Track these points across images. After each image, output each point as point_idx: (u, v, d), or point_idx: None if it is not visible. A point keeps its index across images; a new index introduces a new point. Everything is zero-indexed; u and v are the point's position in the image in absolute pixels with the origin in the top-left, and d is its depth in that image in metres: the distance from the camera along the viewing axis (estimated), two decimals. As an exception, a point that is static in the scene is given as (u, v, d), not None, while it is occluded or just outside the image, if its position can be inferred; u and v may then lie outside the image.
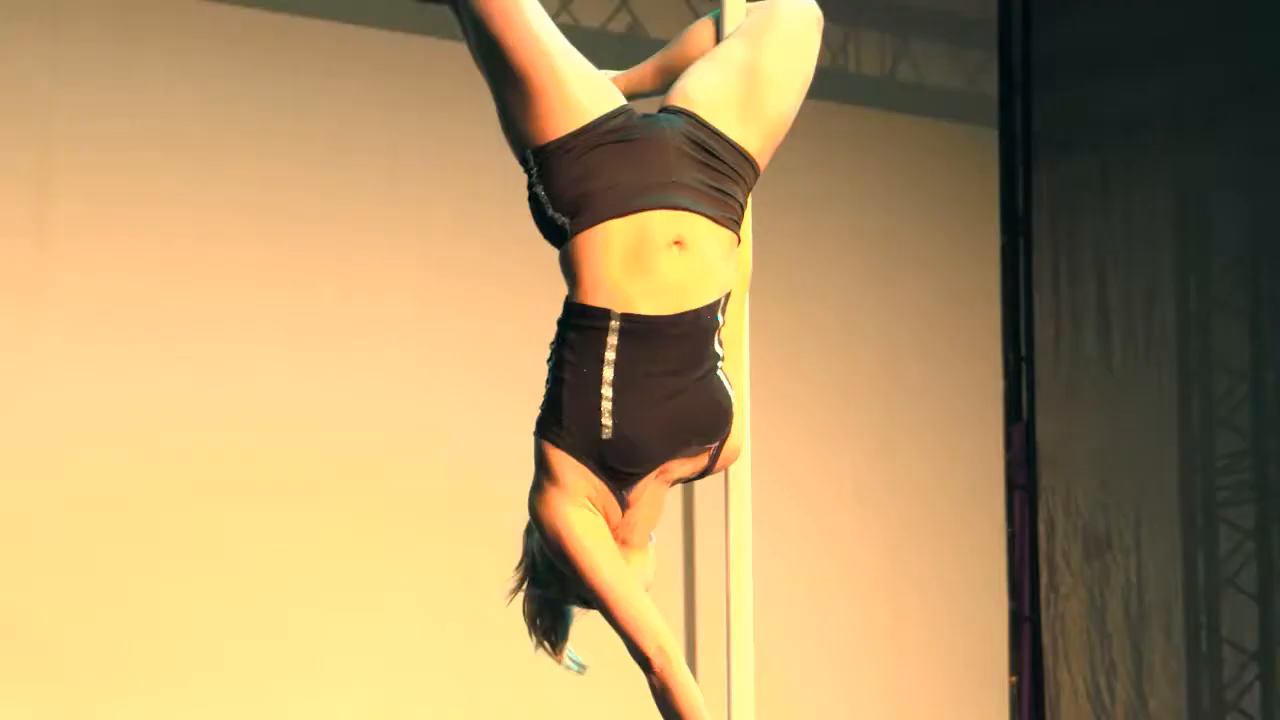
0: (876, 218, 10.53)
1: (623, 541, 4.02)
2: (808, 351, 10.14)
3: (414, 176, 9.52)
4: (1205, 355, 11.13)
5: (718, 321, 4.00)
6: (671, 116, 4.00)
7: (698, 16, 10.25)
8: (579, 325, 3.94)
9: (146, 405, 8.90)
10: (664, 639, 3.93)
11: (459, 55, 9.43)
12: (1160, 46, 11.08)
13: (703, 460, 4.07)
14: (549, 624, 4.12)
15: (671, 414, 3.95)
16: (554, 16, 10.09)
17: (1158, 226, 11.22)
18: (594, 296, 3.93)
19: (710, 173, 3.97)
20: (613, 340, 3.92)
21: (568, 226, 3.95)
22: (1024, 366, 11.30)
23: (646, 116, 3.99)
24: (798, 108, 4.14)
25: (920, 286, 10.78)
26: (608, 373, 3.92)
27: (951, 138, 11.01)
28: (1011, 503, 11.08)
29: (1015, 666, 10.99)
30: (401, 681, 9.21)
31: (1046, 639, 11.20)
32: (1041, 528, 11.24)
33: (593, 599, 3.97)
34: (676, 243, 3.91)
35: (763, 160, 4.05)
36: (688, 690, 3.92)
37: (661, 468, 4.01)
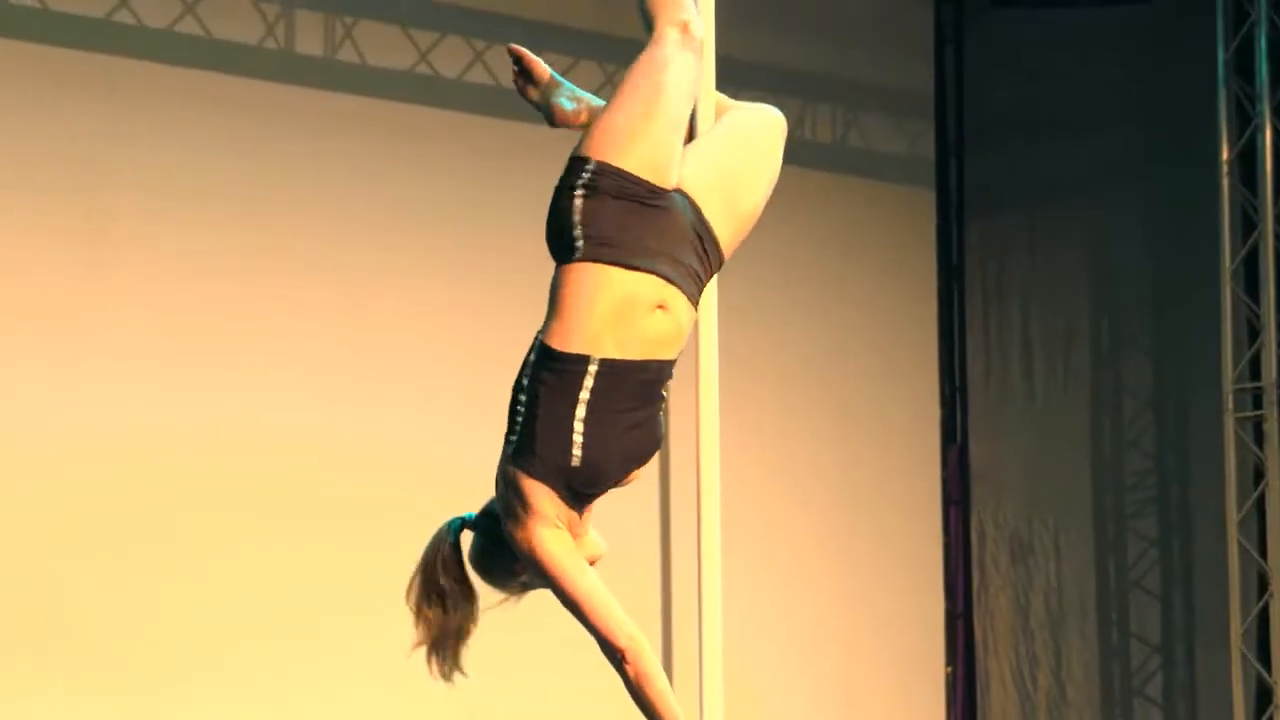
0: (830, 266, 10.61)
1: (575, 537, 4.01)
2: (771, 383, 10.20)
3: (429, 234, 9.57)
4: (1115, 386, 11.23)
5: (671, 375, 4.00)
6: (686, 204, 3.97)
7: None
8: (555, 368, 3.89)
9: (185, 425, 8.91)
10: (633, 629, 3.90)
11: (469, 129, 9.63)
12: (1076, 117, 11.19)
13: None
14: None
15: (628, 444, 3.94)
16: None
17: (1074, 274, 11.32)
18: (572, 342, 3.89)
19: (697, 260, 3.96)
20: (589, 382, 3.87)
21: (579, 249, 3.90)
22: (958, 396, 11.39)
23: (676, 198, 3.97)
24: (764, 205, 4.14)
25: (868, 325, 10.85)
26: (580, 410, 3.88)
27: (895, 196, 11.08)
28: (947, 514, 11.17)
29: (951, 658, 11.07)
30: (413, 685, 9.20)
31: (978, 634, 11.27)
32: (973, 536, 11.32)
33: (569, 606, 3.94)
34: (660, 306, 3.89)
35: (729, 253, 4.06)
36: (658, 675, 3.92)
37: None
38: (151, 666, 8.70)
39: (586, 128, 4.14)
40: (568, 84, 4.35)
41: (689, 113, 4.05)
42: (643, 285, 3.88)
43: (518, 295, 9.53)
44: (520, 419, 3.95)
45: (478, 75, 9.85)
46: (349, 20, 9.57)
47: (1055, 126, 11.21)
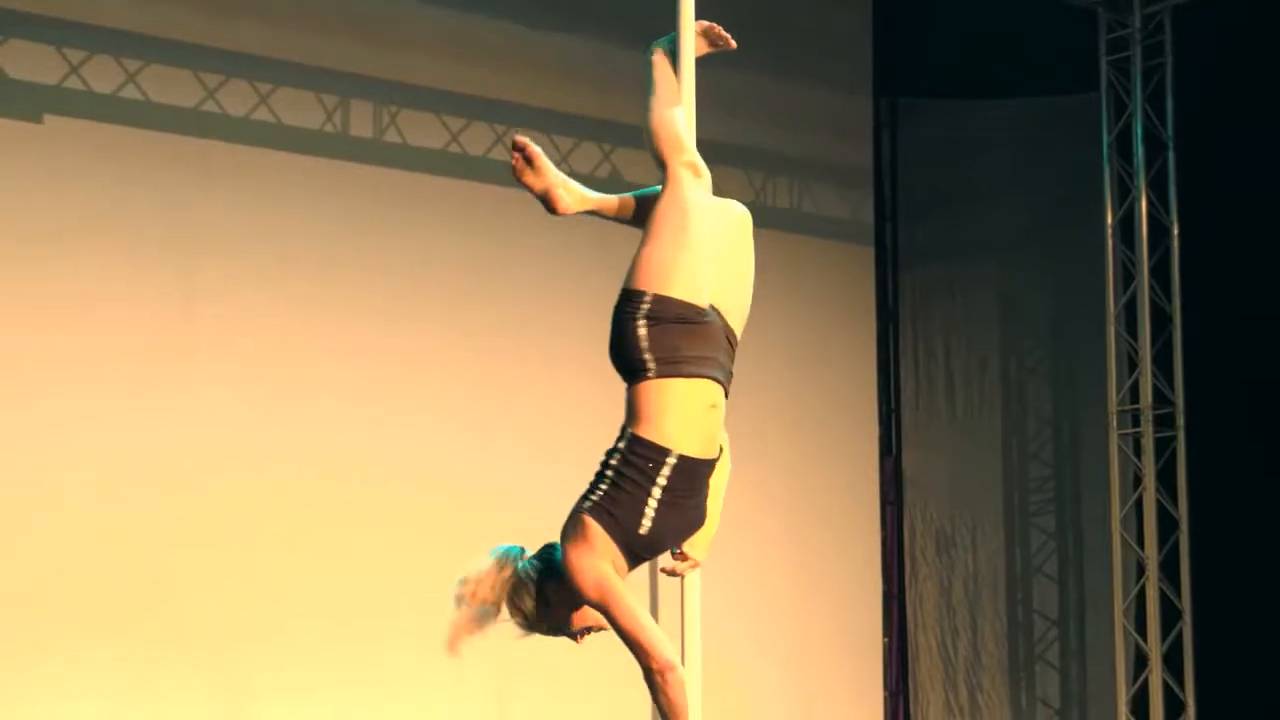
0: (788, 312, 10.56)
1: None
2: (740, 404, 10.13)
3: (459, 284, 9.55)
4: (1021, 408, 11.26)
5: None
6: (716, 313, 3.88)
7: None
8: (642, 454, 3.78)
9: (265, 439, 8.88)
10: (674, 654, 3.74)
11: (492, 198, 9.61)
12: (989, 189, 11.25)
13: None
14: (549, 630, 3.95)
15: (686, 524, 3.87)
16: (557, 165, 10.20)
17: (987, 317, 11.37)
18: (658, 435, 3.78)
19: (730, 358, 3.91)
20: (667, 471, 3.77)
21: (652, 370, 3.79)
22: (893, 415, 11.40)
23: (713, 313, 3.88)
24: None
25: (819, 358, 10.83)
26: (657, 492, 3.77)
27: (841, 253, 11.06)
28: (884, 513, 11.15)
29: (887, 631, 11.05)
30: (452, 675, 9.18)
31: (909, 611, 11.27)
32: (906, 531, 11.32)
33: (618, 623, 3.74)
34: (712, 406, 3.83)
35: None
36: (684, 689, 3.74)
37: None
38: (238, 637, 8.68)
39: (595, 213, 4.18)
40: (560, 175, 4.21)
41: (712, 236, 3.93)
42: (703, 390, 3.83)
43: (534, 336, 9.60)
44: (606, 485, 3.82)
45: (499, 153, 9.85)
46: (393, 109, 9.57)
47: (972, 197, 11.28)
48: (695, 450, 3.82)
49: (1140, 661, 10.24)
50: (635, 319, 3.80)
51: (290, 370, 9.01)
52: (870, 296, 11.20)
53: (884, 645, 11.00)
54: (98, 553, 8.42)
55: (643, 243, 3.92)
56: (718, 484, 3.96)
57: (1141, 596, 10.25)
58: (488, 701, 9.24)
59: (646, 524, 3.79)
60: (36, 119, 8.65)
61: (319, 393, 9.07)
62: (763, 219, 11.12)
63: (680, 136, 4.07)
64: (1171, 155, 10.41)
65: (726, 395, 3.90)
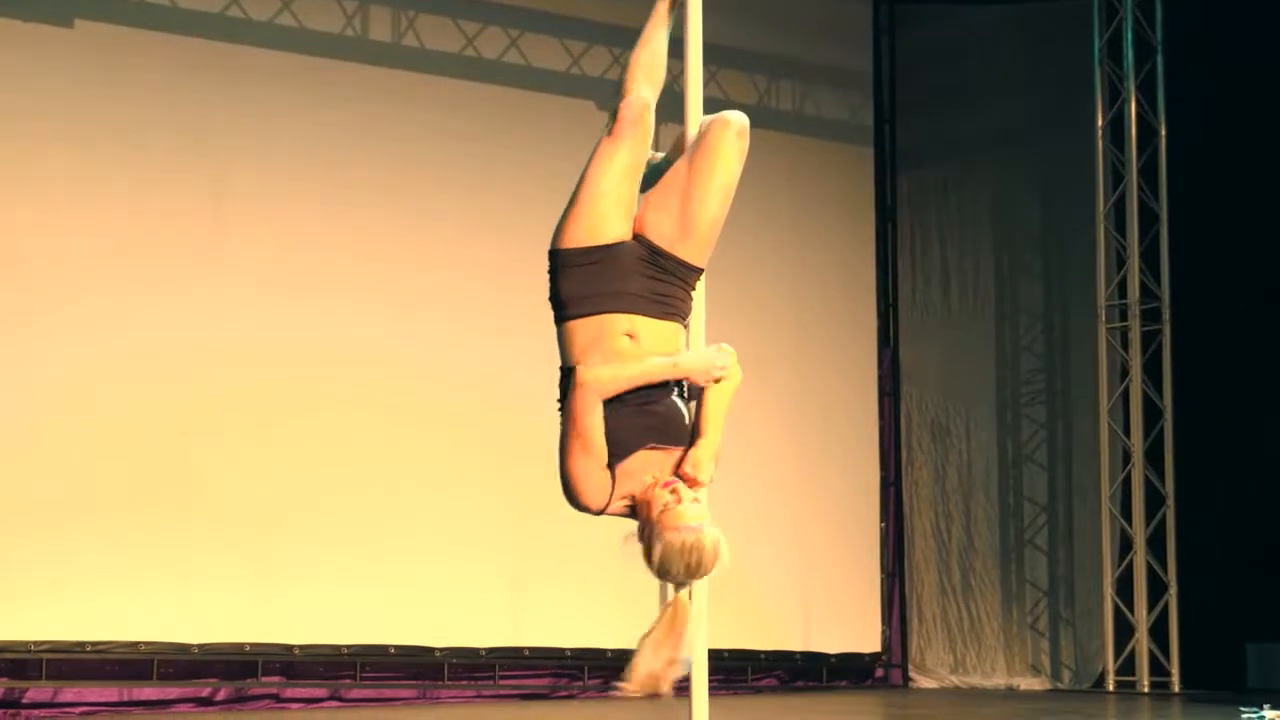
0: (790, 211, 10.52)
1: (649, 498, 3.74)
2: (747, 301, 10.05)
3: (473, 182, 9.49)
4: (1013, 304, 11.21)
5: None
6: (634, 244, 3.80)
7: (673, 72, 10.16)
8: (561, 384, 3.78)
9: (289, 332, 8.90)
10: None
11: (505, 100, 9.46)
12: (983, 92, 11.15)
13: (677, 454, 3.77)
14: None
15: (639, 420, 3.70)
16: (566, 70, 10.05)
17: (981, 216, 11.34)
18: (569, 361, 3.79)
19: (654, 283, 3.77)
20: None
21: (562, 313, 3.80)
22: (891, 310, 11.39)
23: (620, 245, 3.78)
24: (725, 208, 3.85)
25: (821, 256, 10.79)
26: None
27: (841, 155, 11.01)
28: (882, 404, 11.16)
29: (884, 516, 11.08)
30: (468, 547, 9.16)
31: (906, 497, 11.28)
32: (903, 421, 11.32)
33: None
34: (628, 334, 3.74)
35: (701, 260, 3.84)
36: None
37: (641, 453, 3.73)
38: (262, 514, 8.70)
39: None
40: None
41: (624, 172, 3.83)
42: (604, 324, 3.77)
43: (542, 230, 9.47)
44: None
45: (512, 57, 9.77)
46: (411, 14, 9.53)
47: (967, 99, 11.21)
48: None
49: (1125, 545, 10.24)
50: (550, 273, 3.86)
51: (312, 265, 9.03)
52: (869, 196, 11.16)
53: (881, 529, 11.00)
54: (134, 440, 8.49)
55: None
56: (717, 401, 3.81)
57: (1127, 483, 10.24)
58: (504, 583, 9.22)
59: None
60: (67, 23, 8.57)
61: (339, 287, 9.06)
62: (766, 121, 11.01)
63: (625, 82, 3.95)
64: (1160, 59, 10.32)
65: (668, 311, 3.79)
